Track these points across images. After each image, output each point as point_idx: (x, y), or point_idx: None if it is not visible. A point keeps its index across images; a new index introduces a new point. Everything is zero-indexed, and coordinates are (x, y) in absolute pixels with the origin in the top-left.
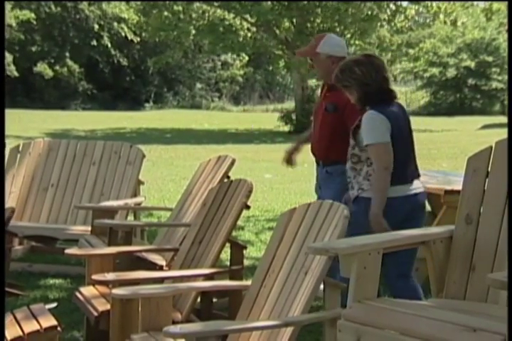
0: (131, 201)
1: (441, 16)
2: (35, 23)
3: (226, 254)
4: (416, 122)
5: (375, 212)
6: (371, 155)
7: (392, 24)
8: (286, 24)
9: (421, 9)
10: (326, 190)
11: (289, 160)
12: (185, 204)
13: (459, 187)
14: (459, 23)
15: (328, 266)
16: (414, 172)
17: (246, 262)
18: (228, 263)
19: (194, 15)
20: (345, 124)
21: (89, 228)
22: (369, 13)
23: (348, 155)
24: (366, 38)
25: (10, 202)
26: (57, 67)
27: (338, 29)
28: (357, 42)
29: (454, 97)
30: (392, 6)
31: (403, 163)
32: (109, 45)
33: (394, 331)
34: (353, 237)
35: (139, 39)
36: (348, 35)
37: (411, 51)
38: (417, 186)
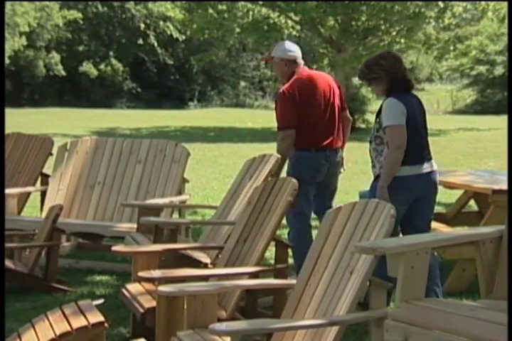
0: (176, 199)
1: (490, 14)
2: (82, 22)
3: (271, 253)
4: (462, 120)
5: (382, 184)
6: (387, 136)
7: (440, 21)
8: (331, 22)
9: (468, 6)
10: None
11: None
12: (230, 203)
13: (507, 186)
14: (507, 20)
15: (374, 265)
16: (427, 156)
17: (290, 261)
18: (273, 261)
19: (239, 13)
20: None
21: (135, 225)
22: (416, 10)
23: (372, 137)
24: (412, 36)
25: (58, 199)
26: (101, 67)
27: (383, 27)
28: (402, 40)
29: (502, 95)
30: (440, 3)
31: (416, 146)
32: (156, 44)
33: (442, 331)
34: (401, 237)
35: (184, 37)
36: (394, 33)
37: (459, 46)
38: (428, 166)
